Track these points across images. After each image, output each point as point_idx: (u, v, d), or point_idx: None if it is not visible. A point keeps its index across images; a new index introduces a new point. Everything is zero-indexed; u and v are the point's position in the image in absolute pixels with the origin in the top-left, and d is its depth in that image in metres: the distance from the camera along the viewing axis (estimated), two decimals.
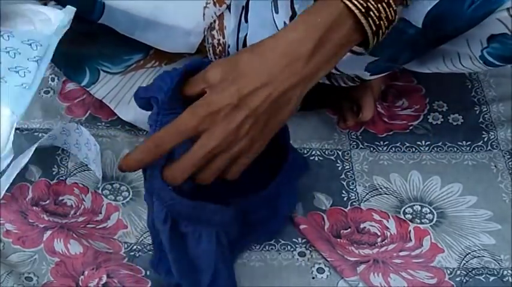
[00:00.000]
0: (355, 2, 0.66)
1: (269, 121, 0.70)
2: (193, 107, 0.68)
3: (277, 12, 0.87)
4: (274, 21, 0.87)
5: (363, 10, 0.66)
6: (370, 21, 0.67)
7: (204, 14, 0.89)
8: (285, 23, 0.86)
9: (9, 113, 0.69)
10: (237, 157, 0.71)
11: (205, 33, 0.91)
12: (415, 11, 0.75)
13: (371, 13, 0.67)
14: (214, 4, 0.89)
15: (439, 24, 0.75)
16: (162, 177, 0.71)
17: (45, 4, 0.87)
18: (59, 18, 0.77)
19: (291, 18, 0.85)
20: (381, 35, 0.69)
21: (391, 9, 0.68)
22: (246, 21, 0.90)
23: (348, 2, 0.66)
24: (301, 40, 0.67)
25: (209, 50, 0.94)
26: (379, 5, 0.67)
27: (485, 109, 1.03)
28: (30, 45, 0.75)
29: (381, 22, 0.68)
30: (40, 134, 1.02)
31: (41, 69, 0.72)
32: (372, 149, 0.99)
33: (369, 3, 0.67)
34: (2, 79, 0.71)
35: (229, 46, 0.92)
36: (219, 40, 0.92)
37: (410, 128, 1.02)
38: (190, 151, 0.69)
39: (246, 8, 0.89)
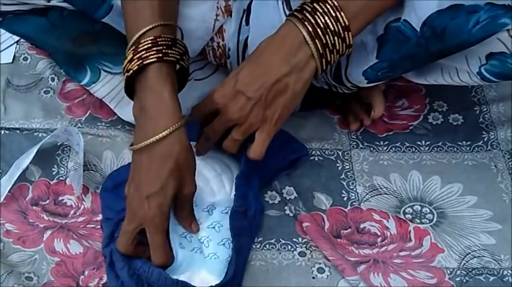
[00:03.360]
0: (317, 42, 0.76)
1: (272, 103, 0.80)
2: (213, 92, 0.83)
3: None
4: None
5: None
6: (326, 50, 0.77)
7: (214, 26, 0.90)
8: None
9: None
10: (249, 130, 0.82)
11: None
12: (415, 14, 0.76)
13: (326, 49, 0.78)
14: (223, 15, 0.89)
15: (442, 37, 0.76)
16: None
17: (49, 1, 0.87)
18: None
19: None
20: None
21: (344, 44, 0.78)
22: (247, 24, 0.90)
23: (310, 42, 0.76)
24: (284, 44, 0.78)
25: (209, 53, 0.94)
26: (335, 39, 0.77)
27: (485, 109, 1.03)
28: (226, 212, 0.89)
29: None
30: (40, 134, 1.02)
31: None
32: (372, 149, 0.99)
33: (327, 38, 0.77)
34: (215, 255, 0.85)
35: (229, 49, 0.92)
36: (218, 43, 0.92)
37: (410, 128, 1.02)
38: (212, 124, 0.84)
39: (247, 11, 0.89)
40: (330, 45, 0.77)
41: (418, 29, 0.77)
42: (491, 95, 1.05)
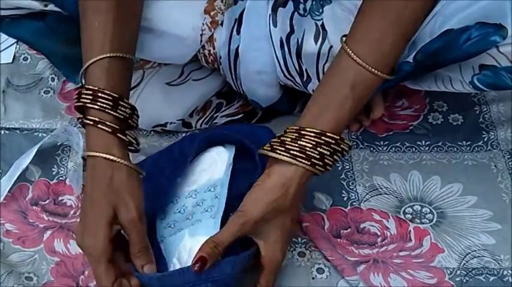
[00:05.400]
0: (318, 167, 0.77)
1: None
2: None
3: (275, 26, 0.88)
4: (270, 34, 0.89)
5: (322, 169, 0.78)
6: (329, 168, 0.79)
7: (201, 41, 0.90)
8: (281, 38, 0.88)
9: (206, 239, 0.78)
10: None
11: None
12: (408, 50, 0.79)
13: (327, 167, 0.78)
14: (210, 29, 0.90)
15: (435, 56, 0.77)
16: None
17: (46, 6, 0.87)
18: (225, 158, 0.89)
19: (288, 35, 0.88)
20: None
21: (344, 151, 0.79)
22: (238, 33, 0.90)
23: (310, 169, 0.77)
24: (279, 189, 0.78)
25: (202, 59, 0.95)
26: (334, 157, 0.78)
27: (485, 109, 1.03)
28: (210, 190, 0.87)
29: (336, 162, 0.79)
30: (40, 134, 1.02)
31: (221, 202, 0.83)
32: (372, 149, 0.99)
33: (326, 161, 0.77)
34: (199, 221, 0.84)
35: (220, 57, 0.92)
36: (209, 51, 0.93)
37: (410, 128, 1.02)
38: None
39: (239, 21, 0.90)
40: (330, 162, 0.78)
41: (412, 60, 0.78)
42: (491, 95, 1.05)
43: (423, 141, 1.00)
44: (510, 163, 0.96)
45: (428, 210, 0.92)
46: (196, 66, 1.00)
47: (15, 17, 0.90)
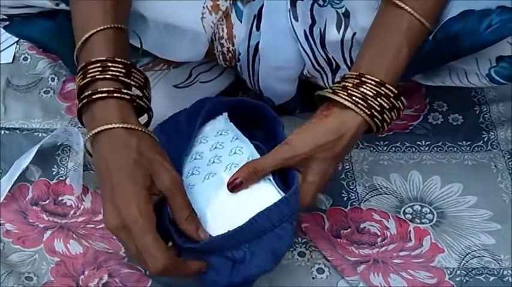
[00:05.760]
0: (376, 120, 0.76)
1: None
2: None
3: (296, 20, 0.87)
4: (293, 28, 0.88)
5: (379, 124, 0.77)
6: (385, 125, 0.78)
7: (204, 27, 0.89)
8: (305, 30, 0.88)
9: None
10: None
11: (215, 42, 0.91)
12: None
13: (384, 124, 0.77)
14: (210, 13, 0.89)
15: (454, 41, 0.77)
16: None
17: (57, 5, 0.87)
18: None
19: (310, 26, 0.87)
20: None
21: (400, 111, 0.78)
22: (258, 29, 0.90)
23: (369, 120, 0.76)
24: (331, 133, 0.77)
25: (219, 57, 0.94)
26: (392, 113, 0.77)
27: (485, 109, 1.03)
28: (221, 134, 0.83)
29: (391, 120, 0.78)
30: (40, 134, 1.02)
31: (244, 140, 0.81)
32: (372, 149, 0.99)
33: (384, 116, 0.76)
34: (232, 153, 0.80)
35: (239, 54, 0.92)
36: (228, 48, 0.92)
37: (410, 128, 1.02)
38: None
39: (258, 17, 0.89)
40: (388, 119, 0.78)
41: (432, 37, 0.77)
42: (491, 95, 1.05)
43: (423, 142, 1.00)
44: (510, 163, 0.96)
45: (428, 210, 0.92)
46: (205, 68, 1.00)
47: (25, 16, 0.90)
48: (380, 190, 0.94)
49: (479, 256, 0.87)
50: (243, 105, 0.86)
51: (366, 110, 0.75)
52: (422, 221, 0.91)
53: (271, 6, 0.89)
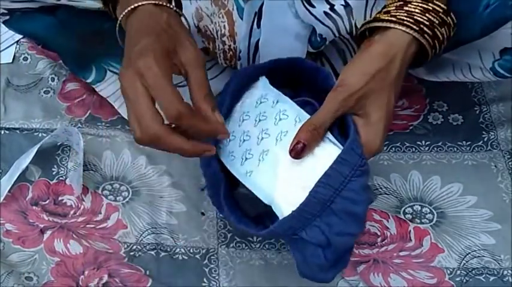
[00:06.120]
0: (426, 37, 0.73)
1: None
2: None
3: (313, 6, 0.84)
4: (313, 15, 0.84)
5: (430, 42, 0.73)
6: (436, 43, 0.74)
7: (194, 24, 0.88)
8: (325, 12, 0.83)
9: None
10: None
11: (216, 40, 0.91)
12: None
13: (436, 42, 0.74)
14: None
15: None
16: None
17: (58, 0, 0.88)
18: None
19: (331, 9, 0.84)
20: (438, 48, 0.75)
21: (450, 28, 0.74)
22: (258, 26, 0.90)
23: (418, 36, 0.72)
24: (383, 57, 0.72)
25: (219, 56, 0.94)
26: (442, 29, 0.73)
27: (485, 109, 1.03)
28: (261, 102, 0.78)
29: (443, 39, 0.75)
30: (40, 134, 1.02)
31: (285, 100, 0.76)
32: None
33: (436, 31, 0.73)
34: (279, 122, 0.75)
35: (240, 51, 0.92)
36: (229, 46, 0.92)
37: (410, 128, 1.02)
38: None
39: (258, 14, 0.89)
40: (440, 38, 0.74)
41: None
42: (491, 95, 1.05)
43: (423, 142, 1.00)
44: (510, 163, 0.96)
45: (428, 210, 0.92)
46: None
47: (26, 11, 0.90)
48: (380, 190, 0.94)
49: (479, 256, 0.87)
50: (278, 68, 0.80)
51: (414, 26, 0.71)
52: (422, 221, 0.91)
53: (271, 3, 0.89)
